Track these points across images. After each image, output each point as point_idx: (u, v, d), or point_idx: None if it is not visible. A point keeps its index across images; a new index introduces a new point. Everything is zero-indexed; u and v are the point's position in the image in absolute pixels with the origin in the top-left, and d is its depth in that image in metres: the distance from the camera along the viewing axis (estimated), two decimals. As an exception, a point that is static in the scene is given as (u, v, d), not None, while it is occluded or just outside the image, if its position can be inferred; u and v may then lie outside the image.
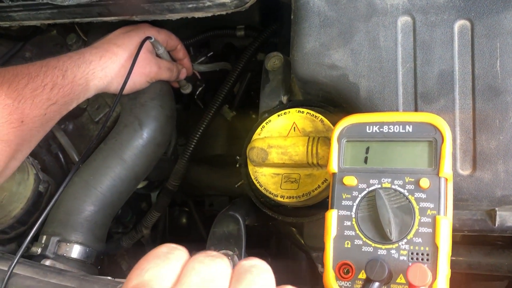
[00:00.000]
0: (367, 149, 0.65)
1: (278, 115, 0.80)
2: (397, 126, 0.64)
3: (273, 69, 0.88)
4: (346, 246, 0.62)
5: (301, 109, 0.78)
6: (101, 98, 1.19)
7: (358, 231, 0.62)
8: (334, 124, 0.72)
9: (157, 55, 1.07)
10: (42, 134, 0.91)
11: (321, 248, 0.65)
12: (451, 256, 0.63)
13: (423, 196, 0.61)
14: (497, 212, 0.71)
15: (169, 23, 1.01)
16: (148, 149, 1.04)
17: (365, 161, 0.65)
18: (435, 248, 0.58)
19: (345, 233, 0.63)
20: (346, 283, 0.61)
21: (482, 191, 0.67)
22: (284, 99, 0.86)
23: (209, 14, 0.94)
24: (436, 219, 0.59)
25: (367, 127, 0.66)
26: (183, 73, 1.14)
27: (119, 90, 0.97)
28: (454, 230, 0.74)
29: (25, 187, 1.07)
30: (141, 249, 1.27)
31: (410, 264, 0.58)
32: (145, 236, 1.24)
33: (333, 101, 0.78)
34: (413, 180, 0.62)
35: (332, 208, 0.64)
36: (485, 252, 0.83)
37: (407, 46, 0.70)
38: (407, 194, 0.61)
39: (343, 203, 0.64)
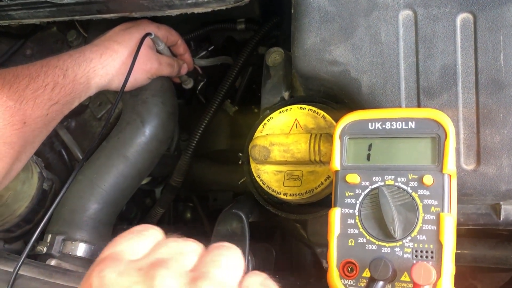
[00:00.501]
0: (370, 146, 0.65)
1: (280, 112, 0.79)
2: (400, 123, 0.64)
3: (274, 64, 0.87)
4: (350, 244, 0.62)
5: (303, 106, 0.78)
6: (103, 95, 1.19)
7: (361, 229, 0.62)
8: (336, 120, 0.72)
9: (158, 51, 1.06)
10: (45, 134, 0.90)
11: (325, 244, 0.64)
12: (456, 249, 0.62)
13: (427, 193, 0.60)
14: (502, 206, 0.71)
15: (168, 18, 1.00)
16: (150, 146, 1.04)
17: (368, 158, 0.64)
18: (440, 246, 0.58)
19: (348, 231, 0.63)
20: (350, 282, 0.61)
21: (486, 186, 0.67)
22: (286, 95, 0.85)
23: (209, 9, 0.93)
24: (440, 216, 0.59)
25: (370, 124, 0.65)
26: (184, 68, 1.13)
27: (120, 87, 0.97)
28: (459, 224, 0.74)
29: (30, 186, 1.08)
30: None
31: (414, 262, 0.58)
32: (150, 232, 1.24)
33: (335, 96, 0.78)
34: (416, 177, 0.61)
35: (335, 206, 0.64)
36: (490, 245, 0.83)
37: (409, 40, 0.69)
38: (410, 191, 0.61)
39: (346, 201, 0.64)
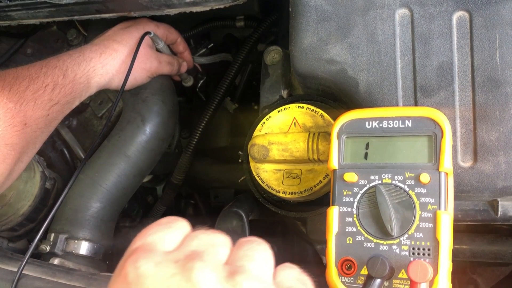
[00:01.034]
0: (367, 145, 0.65)
1: (278, 111, 0.80)
2: (397, 121, 0.64)
3: (272, 63, 0.88)
4: (348, 242, 0.63)
5: (301, 104, 0.78)
6: (104, 93, 1.20)
7: (359, 227, 0.63)
8: (334, 118, 0.72)
9: (157, 50, 1.07)
10: (46, 134, 0.91)
11: (325, 241, 0.65)
12: (455, 245, 0.63)
13: (424, 191, 0.61)
14: (499, 202, 0.72)
15: (167, 16, 1.01)
16: (151, 144, 1.05)
17: (365, 157, 0.65)
18: (436, 243, 0.59)
19: (346, 230, 0.63)
20: (348, 279, 0.62)
21: (483, 183, 0.67)
22: (285, 93, 0.86)
23: (207, 8, 0.93)
24: (436, 214, 0.60)
25: (367, 122, 0.66)
26: (184, 66, 1.13)
27: (120, 86, 0.97)
28: (457, 220, 0.75)
29: (32, 185, 1.09)
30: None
31: (411, 259, 0.59)
32: (152, 229, 1.25)
33: (333, 95, 0.78)
34: (413, 175, 0.62)
35: (333, 204, 0.65)
36: (489, 240, 0.83)
37: (405, 39, 0.70)
38: (407, 189, 0.62)
39: (344, 200, 0.64)
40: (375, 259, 0.58)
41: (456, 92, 0.68)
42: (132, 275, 0.41)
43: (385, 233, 0.61)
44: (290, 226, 0.98)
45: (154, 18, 1.08)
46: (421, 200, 0.61)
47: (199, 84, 1.23)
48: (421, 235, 0.60)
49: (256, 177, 0.79)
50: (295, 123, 0.78)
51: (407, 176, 0.62)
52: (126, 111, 1.07)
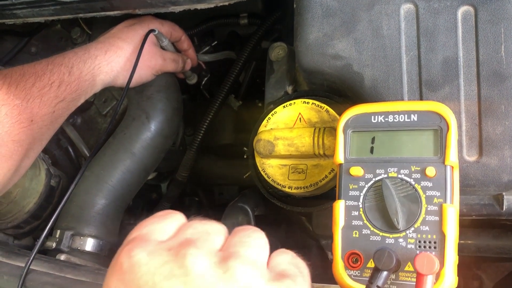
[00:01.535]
0: (373, 139, 0.66)
1: (284, 106, 0.80)
2: (402, 115, 0.64)
3: (277, 59, 0.88)
4: (354, 236, 0.63)
5: (306, 100, 0.78)
6: (108, 91, 1.20)
7: (365, 221, 0.63)
8: (339, 113, 0.73)
9: (162, 47, 1.07)
10: (52, 131, 0.92)
11: (330, 236, 0.65)
12: (460, 239, 0.63)
13: (430, 184, 0.61)
14: (505, 197, 0.72)
15: (172, 14, 1.01)
16: (156, 141, 1.05)
17: (371, 151, 0.65)
18: (442, 236, 0.59)
19: (353, 223, 0.64)
20: (355, 272, 0.62)
21: (488, 177, 0.68)
22: (289, 89, 0.86)
23: (212, 5, 0.94)
24: (442, 207, 0.60)
25: (372, 117, 0.66)
26: (188, 64, 1.14)
27: (125, 84, 0.98)
28: (462, 215, 0.75)
29: (37, 182, 1.09)
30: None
31: (418, 252, 0.59)
32: (156, 226, 1.25)
33: (338, 90, 0.78)
34: (419, 169, 0.62)
35: (339, 198, 0.65)
36: (494, 235, 0.84)
37: (410, 34, 0.70)
38: (413, 183, 0.62)
39: (350, 194, 0.65)
40: (382, 252, 0.58)
41: (461, 86, 0.68)
42: (127, 264, 0.42)
43: (391, 227, 0.61)
44: (295, 222, 0.98)
45: (158, 16, 1.09)
46: (427, 194, 0.61)
47: (203, 82, 1.24)
48: (427, 228, 0.60)
49: (261, 172, 0.80)
50: (300, 118, 0.78)
51: (413, 169, 0.62)
52: (131, 108, 1.08)
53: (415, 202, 0.61)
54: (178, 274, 0.41)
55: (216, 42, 1.25)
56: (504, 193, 0.71)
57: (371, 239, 0.62)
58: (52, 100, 0.87)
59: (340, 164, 0.66)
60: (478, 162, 0.68)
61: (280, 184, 0.78)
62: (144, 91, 1.06)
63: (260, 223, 0.89)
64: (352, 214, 0.64)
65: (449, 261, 0.58)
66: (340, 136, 0.67)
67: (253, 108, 1.13)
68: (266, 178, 0.79)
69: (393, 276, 0.60)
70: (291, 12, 0.82)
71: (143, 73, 1.02)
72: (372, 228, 0.62)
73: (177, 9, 0.96)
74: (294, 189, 0.77)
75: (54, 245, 0.95)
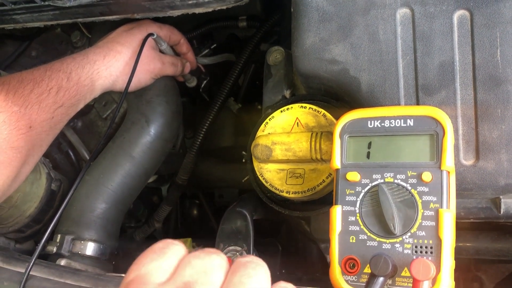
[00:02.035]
0: (369, 144, 0.66)
1: (281, 111, 0.80)
2: (398, 120, 0.65)
3: (274, 63, 0.88)
4: (351, 241, 0.64)
5: (304, 104, 0.79)
6: (108, 95, 1.21)
7: (362, 226, 0.63)
8: (336, 118, 0.73)
9: (161, 51, 1.07)
10: (52, 137, 0.92)
11: (328, 240, 0.66)
12: (459, 242, 0.63)
13: (426, 189, 0.61)
14: (502, 200, 0.72)
15: (170, 18, 1.02)
16: (156, 145, 1.06)
17: (368, 156, 0.65)
18: (439, 241, 0.59)
19: (349, 228, 0.64)
20: (352, 278, 0.62)
21: (485, 181, 0.68)
22: (287, 93, 0.86)
23: (210, 9, 0.94)
24: (439, 212, 0.60)
25: (369, 122, 0.66)
26: (187, 67, 1.14)
27: (124, 88, 0.98)
28: (460, 218, 0.75)
29: (38, 187, 1.09)
30: (154, 242, 1.29)
31: (414, 257, 0.59)
32: (157, 230, 1.26)
33: (335, 95, 0.79)
34: (415, 174, 0.62)
35: (336, 204, 0.65)
36: (492, 238, 0.84)
37: (406, 38, 0.70)
38: (409, 188, 0.62)
39: (347, 199, 0.65)
40: (378, 258, 0.59)
41: (457, 90, 0.68)
42: None
43: (387, 232, 0.62)
44: (294, 225, 0.98)
45: (157, 20, 1.09)
46: (423, 199, 0.61)
47: (203, 85, 1.24)
48: (423, 233, 0.60)
49: (259, 177, 0.80)
50: (298, 123, 0.78)
51: (409, 174, 0.62)
52: (130, 112, 1.08)
53: (412, 207, 0.61)
54: None
55: (215, 44, 1.25)
56: (501, 197, 0.71)
57: (367, 244, 0.62)
58: (50, 106, 0.87)
59: (337, 169, 0.66)
60: (475, 166, 0.68)
61: (278, 189, 0.78)
62: (143, 95, 1.06)
63: (261, 225, 0.90)
64: (349, 219, 0.64)
65: (446, 266, 0.58)
66: (336, 141, 0.67)
67: (253, 110, 1.13)
68: (264, 183, 0.79)
69: (389, 282, 0.60)
70: (289, 14, 0.82)
71: (142, 77, 1.02)
72: (368, 233, 0.63)
73: (175, 13, 0.97)
74: (292, 193, 0.77)
75: (54, 249, 0.96)
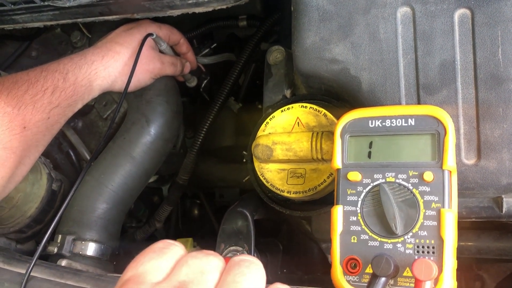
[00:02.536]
0: (370, 143, 0.65)
1: (282, 111, 0.80)
2: (400, 120, 0.64)
3: (275, 63, 0.88)
4: (352, 241, 0.63)
5: (304, 104, 0.78)
6: (108, 95, 1.20)
7: (364, 226, 0.63)
8: (337, 117, 0.73)
9: (160, 51, 1.07)
10: (49, 137, 0.92)
11: (330, 240, 0.65)
12: (461, 241, 0.63)
13: (427, 189, 0.61)
14: (504, 199, 0.72)
15: (170, 17, 1.01)
16: (156, 145, 1.05)
17: (369, 155, 0.65)
18: (441, 241, 0.59)
19: (351, 228, 0.64)
20: (353, 278, 0.62)
21: (487, 180, 0.68)
22: (288, 93, 0.86)
23: (210, 9, 0.94)
24: (441, 212, 0.60)
25: (370, 121, 0.66)
26: (187, 67, 1.14)
27: (123, 89, 0.98)
28: (462, 217, 0.75)
29: (39, 187, 1.09)
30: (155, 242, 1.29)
31: (416, 257, 0.59)
32: (158, 229, 1.26)
33: (336, 94, 0.78)
34: (417, 173, 0.62)
35: (337, 204, 0.65)
36: (494, 237, 0.83)
37: (407, 37, 0.70)
38: (411, 187, 0.62)
39: (348, 199, 0.65)
40: (380, 258, 0.58)
41: (458, 89, 0.68)
42: None
43: (389, 232, 0.61)
44: (295, 225, 0.98)
45: (157, 20, 1.09)
46: (425, 199, 0.61)
47: (203, 84, 1.24)
48: (425, 233, 0.60)
49: (260, 177, 0.80)
50: (298, 122, 0.78)
51: (410, 174, 0.62)
52: (130, 112, 1.08)
53: (413, 207, 0.61)
54: None
55: (215, 44, 1.25)
56: (503, 196, 0.71)
57: (369, 244, 0.62)
58: (46, 106, 0.87)
59: (338, 169, 0.66)
60: (476, 165, 0.68)
61: (279, 189, 0.78)
62: (143, 95, 1.06)
63: (262, 224, 0.90)
64: (350, 219, 0.64)
65: (448, 266, 0.58)
66: (337, 141, 0.66)
67: (253, 110, 1.13)
68: (265, 183, 0.79)
69: (391, 282, 0.60)
70: (289, 13, 0.82)
71: (142, 77, 1.02)
72: (370, 234, 0.62)
73: (175, 13, 0.97)
74: (293, 193, 0.77)
75: (55, 250, 0.96)
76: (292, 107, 0.79)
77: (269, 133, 0.79)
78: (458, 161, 0.67)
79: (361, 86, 0.72)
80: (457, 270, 0.60)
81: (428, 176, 0.61)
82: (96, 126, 1.24)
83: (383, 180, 0.63)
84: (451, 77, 0.68)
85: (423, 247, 0.60)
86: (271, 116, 0.80)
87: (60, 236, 0.98)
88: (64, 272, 0.80)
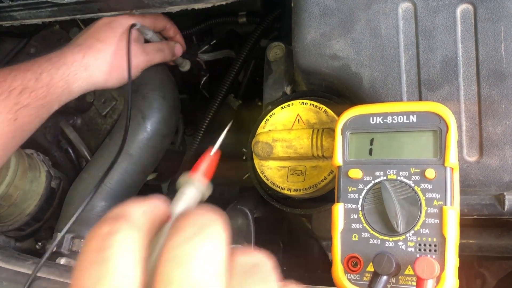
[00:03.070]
0: (372, 140, 0.65)
1: (282, 108, 0.79)
2: (401, 117, 0.64)
3: (275, 59, 0.87)
4: (353, 239, 0.63)
5: (305, 101, 0.78)
6: (107, 92, 1.20)
7: (365, 224, 0.62)
8: (338, 114, 0.72)
9: (147, 40, 1.04)
10: (19, 139, 0.88)
11: (330, 238, 0.65)
12: (462, 239, 0.63)
13: (429, 186, 0.60)
14: (506, 197, 0.71)
15: (169, 14, 1.00)
16: (153, 141, 1.04)
17: (370, 153, 0.65)
18: (443, 239, 0.58)
19: (352, 226, 0.63)
20: (355, 276, 0.62)
21: (489, 177, 0.67)
22: (288, 89, 0.85)
23: (209, 5, 0.93)
24: (443, 209, 0.59)
25: (371, 118, 0.65)
26: (178, 49, 1.10)
27: (108, 86, 0.96)
28: (464, 215, 0.74)
29: (38, 185, 1.09)
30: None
31: (418, 255, 0.59)
32: (158, 227, 1.25)
33: (337, 90, 0.78)
34: (418, 170, 0.61)
35: (338, 201, 0.64)
36: (496, 235, 0.83)
37: (409, 33, 0.69)
38: (413, 185, 0.61)
39: (349, 196, 0.64)
40: (381, 256, 0.58)
41: (461, 86, 0.67)
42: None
43: (391, 230, 0.61)
44: (296, 223, 0.97)
45: (156, 15, 1.08)
46: (426, 196, 0.60)
47: (202, 81, 1.23)
48: (427, 231, 0.59)
49: (260, 174, 0.79)
50: (298, 119, 0.77)
51: (412, 171, 0.62)
52: (126, 108, 1.07)
53: (415, 204, 0.60)
54: None
55: (215, 41, 1.24)
56: (505, 193, 0.70)
57: (370, 242, 0.62)
58: (11, 106, 0.83)
59: (339, 167, 0.65)
60: (478, 162, 0.67)
61: (279, 186, 0.77)
62: (139, 90, 1.05)
63: (262, 222, 0.89)
64: (351, 217, 0.63)
65: (450, 264, 0.58)
66: (338, 138, 0.66)
67: (253, 107, 1.12)
68: (265, 180, 0.78)
69: (393, 280, 0.59)
70: (290, 10, 0.81)
71: (127, 75, 0.98)
72: (371, 231, 0.62)
73: (174, 9, 0.96)
74: (293, 191, 0.76)
75: (54, 248, 0.95)
76: (292, 104, 0.78)
77: (269, 130, 0.79)
78: (460, 158, 0.67)
79: (362, 82, 0.71)
80: (459, 267, 0.60)
81: (430, 173, 0.60)
82: (95, 123, 1.23)
83: (385, 178, 0.63)
84: (453, 73, 0.67)
85: (424, 245, 0.59)
86: (271, 113, 0.80)
87: (58, 234, 0.98)
88: (63, 271, 0.80)
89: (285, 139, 0.75)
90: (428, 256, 0.58)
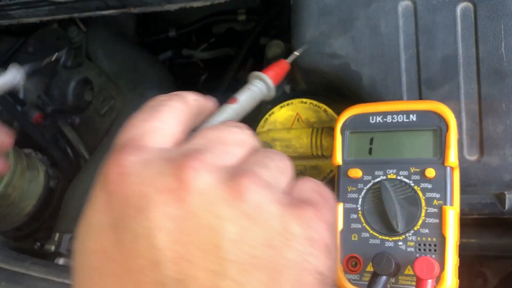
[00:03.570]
0: (371, 140, 0.64)
1: (281, 106, 0.79)
2: (401, 116, 0.63)
3: (274, 57, 0.87)
4: (353, 239, 0.62)
5: (304, 100, 0.77)
6: (106, 91, 1.19)
7: (364, 224, 0.62)
8: (338, 113, 0.71)
9: None
10: None
11: (330, 237, 0.65)
12: (463, 238, 0.62)
13: (429, 186, 0.60)
14: (507, 196, 0.70)
15: (168, 12, 1.00)
16: None
17: (370, 152, 0.64)
18: (443, 239, 0.58)
19: (351, 226, 0.63)
20: (354, 276, 0.61)
21: (490, 176, 0.66)
22: (287, 88, 0.85)
23: (208, 3, 0.92)
24: (443, 209, 0.59)
25: (370, 117, 0.65)
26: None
27: None
28: (464, 214, 0.74)
29: (36, 185, 1.09)
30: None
31: (417, 255, 0.58)
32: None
33: (337, 89, 0.77)
34: (418, 170, 0.61)
35: (338, 201, 0.64)
36: (497, 234, 0.82)
37: (409, 31, 0.69)
38: (412, 184, 0.61)
39: (348, 196, 0.64)
40: (381, 256, 0.57)
41: (461, 84, 0.67)
42: (115, 174, 0.35)
43: (390, 229, 0.60)
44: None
45: (154, 13, 1.07)
46: (426, 196, 0.60)
47: (201, 80, 1.22)
48: (427, 231, 0.59)
49: (259, 173, 0.79)
50: (298, 118, 0.77)
51: (412, 171, 0.61)
52: (124, 107, 1.07)
53: (415, 204, 0.60)
54: (173, 187, 0.33)
55: (214, 39, 1.24)
56: (506, 192, 0.70)
57: (370, 242, 0.61)
58: None
59: (338, 166, 0.65)
60: (479, 161, 0.66)
61: (279, 186, 0.77)
62: (137, 88, 1.05)
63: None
64: (351, 217, 0.63)
65: (450, 265, 0.57)
66: (338, 137, 0.65)
67: (252, 106, 1.11)
68: (264, 180, 0.78)
69: (392, 280, 0.59)
70: (289, 7, 0.80)
71: None
72: (371, 231, 0.61)
73: (173, 7, 0.95)
74: (293, 190, 0.76)
75: (53, 248, 0.95)
76: (292, 102, 0.78)
77: (268, 129, 0.78)
78: (460, 157, 0.66)
79: (362, 81, 0.71)
80: (459, 267, 0.59)
81: (430, 172, 0.60)
82: (94, 122, 1.22)
83: (384, 177, 0.62)
84: (453, 72, 0.67)
85: (424, 245, 0.59)
86: (270, 112, 0.79)
87: (57, 235, 0.98)
88: (62, 271, 0.80)
89: (285, 138, 0.75)
90: (428, 256, 0.57)
